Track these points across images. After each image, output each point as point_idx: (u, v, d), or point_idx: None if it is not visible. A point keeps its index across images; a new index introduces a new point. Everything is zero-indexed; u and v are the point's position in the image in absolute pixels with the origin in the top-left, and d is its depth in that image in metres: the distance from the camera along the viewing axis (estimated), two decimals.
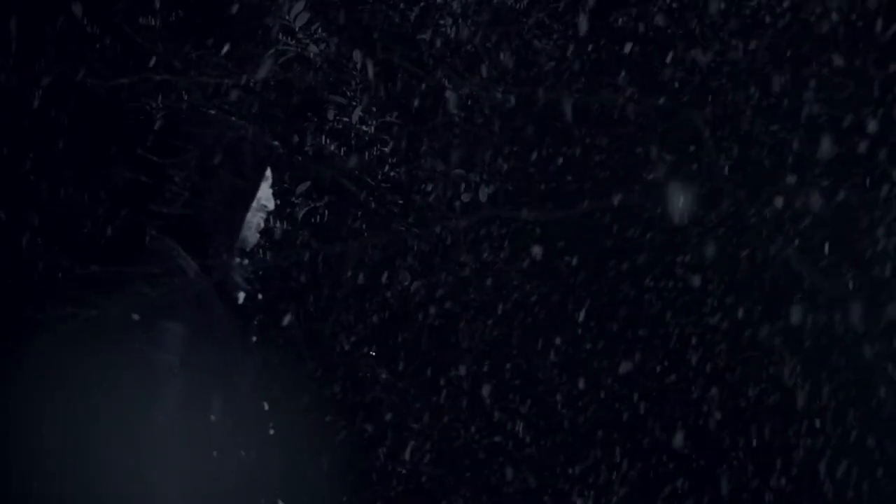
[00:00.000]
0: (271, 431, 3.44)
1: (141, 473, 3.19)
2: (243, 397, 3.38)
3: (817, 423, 3.90)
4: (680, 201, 3.79)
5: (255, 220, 3.59)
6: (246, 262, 3.51)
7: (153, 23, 4.32)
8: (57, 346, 3.33)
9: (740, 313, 3.99)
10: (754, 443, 4.18)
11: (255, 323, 3.62)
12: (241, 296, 3.48)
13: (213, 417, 3.26)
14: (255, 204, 3.58)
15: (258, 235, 3.60)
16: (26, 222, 4.44)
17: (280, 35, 4.32)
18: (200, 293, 3.34)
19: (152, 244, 3.42)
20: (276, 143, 3.61)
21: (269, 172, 3.59)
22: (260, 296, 3.52)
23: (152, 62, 4.07)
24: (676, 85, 3.94)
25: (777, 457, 4.12)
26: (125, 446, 3.20)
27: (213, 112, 3.71)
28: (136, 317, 3.23)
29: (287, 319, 4.03)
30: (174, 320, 3.28)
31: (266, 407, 3.45)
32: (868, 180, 3.72)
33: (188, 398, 3.25)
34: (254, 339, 3.51)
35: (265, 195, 3.61)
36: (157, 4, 4.29)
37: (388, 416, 4.45)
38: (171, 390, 3.22)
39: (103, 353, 3.25)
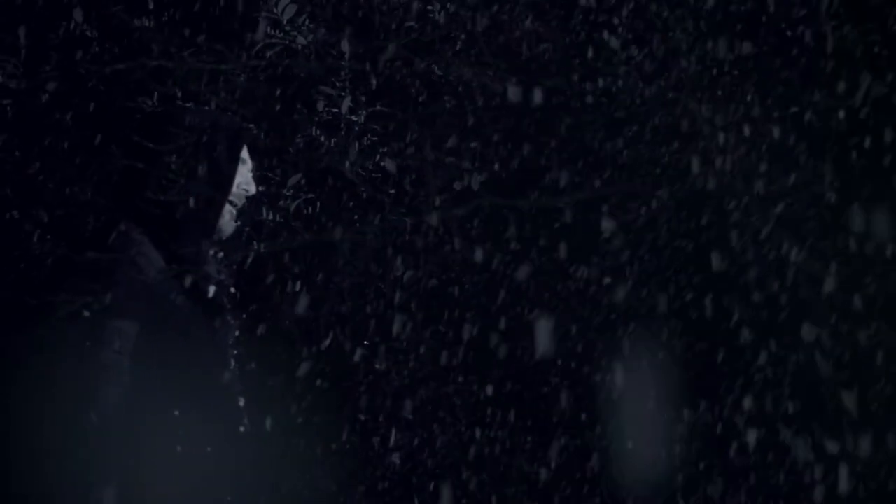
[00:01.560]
0: (242, 428, 3.36)
1: (71, 474, 3.14)
2: (213, 393, 3.30)
3: None
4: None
5: (229, 207, 3.47)
6: (220, 253, 3.42)
7: (147, 23, 4.32)
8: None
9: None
10: None
11: (242, 318, 3.56)
12: (212, 289, 3.38)
13: (176, 413, 3.20)
14: (234, 189, 3.46)
15: (234, 224, 3.48)
16: None
17: (268, 28, 4.31)
18: (160, 288, 3.26)
19: (116, 239, 3.34)
20: (250, 125, 3.51)
21: (246, 155, 3.48)
22: (233, 289, 3.44)
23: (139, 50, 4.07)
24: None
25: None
26: (59, 446, 3.15)
27: (190, 105, 3.64)
28: (86, 314, 3.18)
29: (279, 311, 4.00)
30: (124, 318, 3.21)
31: (242, 403, 3.38)
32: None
33: (143, 396, 3.18)
34: (236, 333, 3.43)
35: (245, 179, 3.49)
36: None
37: (382, 407, 4.42)
38: (115, 389, 3.16)
39: (46, 351, 3.20)
